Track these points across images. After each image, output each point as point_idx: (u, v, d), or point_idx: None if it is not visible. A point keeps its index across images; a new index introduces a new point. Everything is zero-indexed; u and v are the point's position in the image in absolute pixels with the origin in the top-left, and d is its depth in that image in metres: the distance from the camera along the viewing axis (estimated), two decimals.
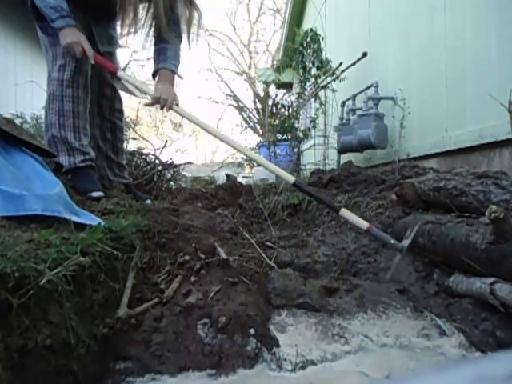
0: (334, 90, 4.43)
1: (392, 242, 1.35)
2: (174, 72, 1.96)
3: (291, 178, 1.56)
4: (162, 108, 1.84)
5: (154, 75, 1.98)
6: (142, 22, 1.93)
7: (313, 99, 4.85)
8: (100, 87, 2.16)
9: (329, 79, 4.50)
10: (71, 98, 1.89)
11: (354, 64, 4.22)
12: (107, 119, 2.22)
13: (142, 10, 1.93)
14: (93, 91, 2.13)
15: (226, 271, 1.26)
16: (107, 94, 2.19)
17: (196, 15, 1.95)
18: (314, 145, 5.08)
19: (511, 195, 1.28)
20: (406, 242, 1.37)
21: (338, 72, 4.42)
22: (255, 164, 9.63)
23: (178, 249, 1.36)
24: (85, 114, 2.00)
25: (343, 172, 2.59)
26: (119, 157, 2.29)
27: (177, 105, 1.86)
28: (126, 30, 1.87)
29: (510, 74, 2.14)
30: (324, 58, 4.52)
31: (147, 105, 1.92)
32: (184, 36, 1.99)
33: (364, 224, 1.41)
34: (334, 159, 4.59)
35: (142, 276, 1.20)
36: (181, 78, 2.06)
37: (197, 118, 1.77)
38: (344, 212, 1.45)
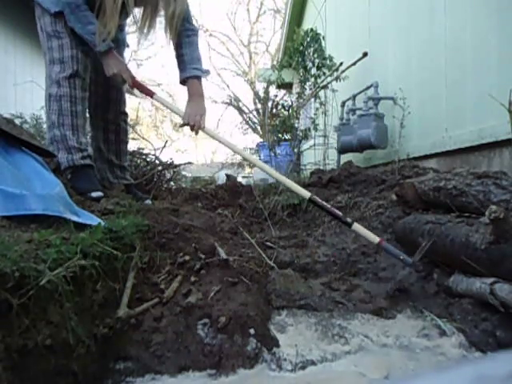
0: (334, 90, 4.43)
1: (401, 257, 1.37)
2: (197, 76, 2.02)
3: (307, 194, 1.60)
4: (195, 130, 1.96)
5: (182, 83, 2.06)
6: (139, 24, 1.95)
7: (313, 99, 4.85)
8: (106, 90, 2.17)
9: (329, 79, 4.50)
10: (69, 98, 1.92)
11: (354, 64, 4.22)
12: (112, 122, 2.23)
13: (138, 13, 1.96)
14: (99, 94, 2.16)
15: (226, 271, 1.26)
16: (113, 97, 2.20)
17: (177, 10, 1.94)
18: (314, 145, 5.08)
19: (511, 195, 1.28)
20: (415, 257, 1.37)
21: (338, 72, 4.42)
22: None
23: (177, 249, 1.36)
24: (83, 114, 2.01)
25: (343, 172, 2.59)
26: (122, 159, 2.30)
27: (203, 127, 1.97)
28: (108, 31, 1.86)
29: (510, 74, 2.14)
30: (327, 55, 4.51)
31: (181, 126, 2.02)
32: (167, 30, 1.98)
33: (375, 238, 1.44)
34: (334, 159, 4.59)
35: (142, 276, 1.20)
36: (207, 73, 2.12)
37: (223, 138, 1.91)
38: (356, 226, 1.49)
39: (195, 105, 1.98)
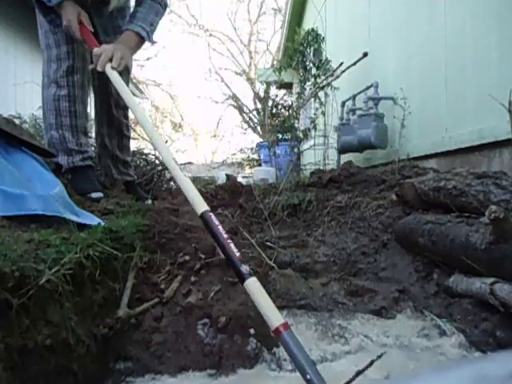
0: (335, 88, 4.42)
1: (308, 378, 0.73)
2: (139, 34, 1.80)
3: (201, 208, 1.04)
4: (95, 66, 1.63)
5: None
6: None
7: (313, 99, 4.86)
8: (109, 85, 2.13)
9: (329, 79, 4.50)
10: (67, 98, 1.89)
11: (354, 64, 4.22)
12: (115, 117, 2.20)
13: None
14: (101, 89, 2.13)
15: (226, 271, 1.26)
16: (114, 92, 2.16)
17: None
18: (314, 145, 5.08)
19: (511, 195, 1.28)
20: None
21: (338, 72, 4.42)
22: (255, 164, 9.64)
23: (177, 249, 1.36)
24: (84, 112, 1.98)
25: (343, 172, 2.59)
26: (124, 153, 2.28)
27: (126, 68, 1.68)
28: None
29: (510, 74, 2.14)
30: (324, 57, 4.52)
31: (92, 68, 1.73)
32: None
33: (273, 322, 0.81)
34: (334, 159, 4.59)
35: (142, 276, 1.20)
36: (151, 42, 1.91)
37: (127, 93, 1.50)
38: (250, 284, 0.88)
39: (117, 46, 1.70)
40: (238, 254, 0.92)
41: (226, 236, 0.97)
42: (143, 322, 1.04)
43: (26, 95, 5.55)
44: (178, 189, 2.94)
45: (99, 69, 1.60)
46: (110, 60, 1.61)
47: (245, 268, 0.90)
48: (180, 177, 1.13)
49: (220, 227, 0.99)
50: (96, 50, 1.64)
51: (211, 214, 1.02)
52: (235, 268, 0.92)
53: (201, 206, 1.04)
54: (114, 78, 1.56)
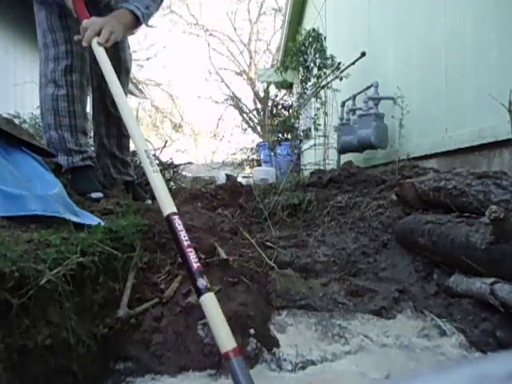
0: (335, 90, 4.42)
1: None
2: (133, 12, 1.74)
3: (168, 209, 0.99)
4: (82, 40, 1.55)
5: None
6: None
7: (313, 99, 4.86)
8: (104, 84, 2.12)
9: (329, 78, 4.49)
10: (66, 98, 1.87)
11: (353, 63, 4.22)
12: (113, 115, 2.17)
13: None
14: (99, 88, 2.11)
15: (226, 271, 1.26)
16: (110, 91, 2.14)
17: None
18: (315, 145, 5.09)
19: (511, 195, 1.28)
20: None
21: (338, 72, 4.42)
22: (255, 164, 9.64)
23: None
24: (83, 112, 1.97)
25: (343, 172, 2.59)
26: (123, 153, 2.27)
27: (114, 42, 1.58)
28: None
29: (510, 74, 2.14)
30: (328, 54, 4.51)
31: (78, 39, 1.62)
32: None
33: (225, 347, 0.76)
34: (334, 159, 4.60)
35: (142, 276, 1.20)
36: (146, 25, 1.85)
37: (111, 74, 1.39)
38: (207, 300, 0.85)
39: (108, 19, 1.61)
40: (196, 265, 0.88)
41: (187, 244, 0.92)
42: (143, 322, 1.04)
43: (25, 95, 5.55)
44: (177, 188, 2.94)
45: (84, 44, 1.54)
46: (98, 35, 1.54)
47: (201, 282, 0.85)
48: (150, 172, 1.08)
49: (183, 233, 0.94)
50: (85, 23, 1.57)
51: (176, 217, 0.98)
52: (192, 280, 0.87)
53: (168, 206, 0.99)
54: (100, 55, 1.48)
